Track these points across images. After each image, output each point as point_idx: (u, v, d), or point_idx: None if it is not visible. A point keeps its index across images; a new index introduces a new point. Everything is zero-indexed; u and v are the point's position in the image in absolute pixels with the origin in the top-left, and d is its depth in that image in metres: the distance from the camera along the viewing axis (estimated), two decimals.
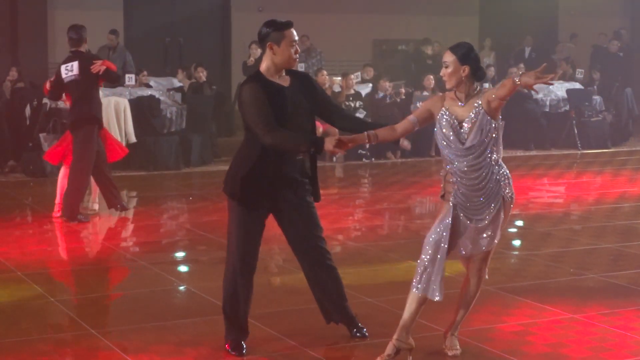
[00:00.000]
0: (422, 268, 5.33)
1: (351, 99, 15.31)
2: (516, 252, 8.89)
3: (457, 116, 5.30)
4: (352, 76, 15.71)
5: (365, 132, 5.49)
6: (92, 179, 10.21)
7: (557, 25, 23.01)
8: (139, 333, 6.10)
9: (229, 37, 19.89)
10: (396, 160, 15.28)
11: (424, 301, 5.36)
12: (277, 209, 5.69)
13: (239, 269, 5.61)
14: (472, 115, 5.26)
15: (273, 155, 5.50)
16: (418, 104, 15.75)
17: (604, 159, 15.76)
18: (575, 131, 16.84)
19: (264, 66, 5.58)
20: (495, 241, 5.42)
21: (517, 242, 9.40)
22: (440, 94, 5.67)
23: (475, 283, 5.57)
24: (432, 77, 16.29)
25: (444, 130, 5.33)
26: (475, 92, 5.34)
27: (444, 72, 5.35)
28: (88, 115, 9.91)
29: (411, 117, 5.47)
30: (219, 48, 19.97)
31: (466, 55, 5.30)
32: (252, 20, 19.21)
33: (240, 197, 5.57)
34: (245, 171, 5.55)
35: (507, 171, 5.42)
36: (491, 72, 18.33)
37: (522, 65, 17.81)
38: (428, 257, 5.31)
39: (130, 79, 15.02)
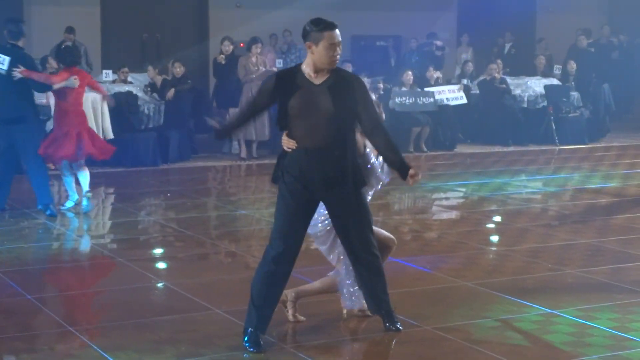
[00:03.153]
0: None
1: None
2: (494, 248, 8.91)
3: None
4: None
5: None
6: None
7: (535, 22, 23.07)
8: (117, 330, 6.07)
9: (207, 33, 19.81)
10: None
11: None
12: None
13: None
14: None
15: None
16: (397, 100, 15.79)
17: (582, 155, 15.83)
18: (553, 127, 16.90)
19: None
20: None
21: (495, 238, 9.43)
22: None
23: None
24: (410, 72, 16.29)
25: None
26: None
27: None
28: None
29: None
30: (197, 44, 19.89)
31: None
32: (230, 16, 19.22)
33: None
34: None
35: None
36: (469, 67, 18.34)
37: (499, 61, 17.82)
38: None
39: (107, 74, 14.94)
